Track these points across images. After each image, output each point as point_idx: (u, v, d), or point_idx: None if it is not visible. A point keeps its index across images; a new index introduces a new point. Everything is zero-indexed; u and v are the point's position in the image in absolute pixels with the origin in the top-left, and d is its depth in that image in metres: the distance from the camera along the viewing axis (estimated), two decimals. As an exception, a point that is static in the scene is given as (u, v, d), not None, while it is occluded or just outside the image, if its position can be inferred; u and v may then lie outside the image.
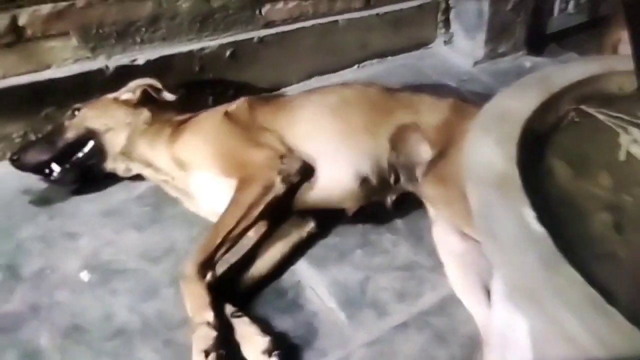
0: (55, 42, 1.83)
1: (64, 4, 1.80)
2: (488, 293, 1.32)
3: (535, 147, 0.91)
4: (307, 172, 1.50)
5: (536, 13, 2.58)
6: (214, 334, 1.21)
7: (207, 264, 1.35)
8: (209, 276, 1.34)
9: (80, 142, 1.68)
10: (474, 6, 2.44)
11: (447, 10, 2.53)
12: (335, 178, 1.51)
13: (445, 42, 2.57)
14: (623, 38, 2.50)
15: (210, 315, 1.25)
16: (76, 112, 1.71)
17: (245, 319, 1.28)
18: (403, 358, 1.25)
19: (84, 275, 1.43)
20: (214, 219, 1.47)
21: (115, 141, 1.68)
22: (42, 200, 1.69)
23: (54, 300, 1.37)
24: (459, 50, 2.53)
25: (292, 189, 1.48)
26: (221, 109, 1.68)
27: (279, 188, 1.45)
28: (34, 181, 1.71)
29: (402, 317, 1.35)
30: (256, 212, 1.41)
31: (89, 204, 1.68)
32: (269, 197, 1.43)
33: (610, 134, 0.94)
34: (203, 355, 1.17)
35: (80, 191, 1.72)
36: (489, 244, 0.74)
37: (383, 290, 1.42)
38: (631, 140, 0.92)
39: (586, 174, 0.87)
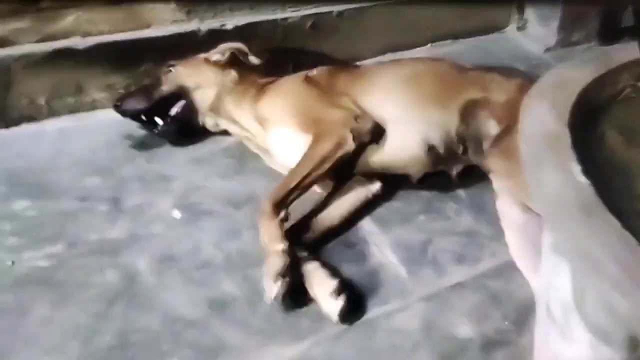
0: (155, 4, 1.99)
1: (165, -32, 1.95)
2: None
3: (589, 115, 0.97)
4: (377, 133, 1.61)
5: (613, 4, 2.55)
6: (284, 260, 1.35)
7: (280, 204, 1.49)
8: (282, 214, 1.47)
9: (173, 96, 1.85)
10: (550, -5, 2.45)
11: (524, -5, 2.55)
12: (404, 143, 1.61)
13: (519, 28, 2.59)
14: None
15: (281, 245, 1.38)
16: (171, 69, 1.88)
17: (316, 263, 1.41)
18: (458, 313, 1.35)
19: (176, 214, 1.60)
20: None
21: (204, 98, 1.84)
22: (141, 145, 1.87)
23: (150, 232, 1.55)
24: (532, 37, 2.55)
25: (362, 147, 1.60)
26: (302, 74, 1.81)
27: (350, 145, 1.57)
28: (134, 128, 1.90)
29: (460, 277, 1.45)
30: (327, 165, 1.54)
31: (181, 152, 1.85)
32: (340, 153, 1.56)
33: None
34: (273, 279, 1.32)
35: (184, 143, 1.88)
36: (537, 192, 0.81)
37: (443, 252, 1.52)
38: None
39: (637, 143, 0.92)
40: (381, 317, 1.34)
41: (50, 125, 1.96)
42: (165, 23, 2.04)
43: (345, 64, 1.99)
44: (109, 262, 1.45)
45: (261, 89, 1.79)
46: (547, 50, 2.48)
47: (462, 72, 1.75)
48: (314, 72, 1.80)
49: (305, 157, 1.55)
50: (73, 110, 1.99)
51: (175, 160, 1.82)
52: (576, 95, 0.96)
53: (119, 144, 1.87)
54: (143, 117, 1.84)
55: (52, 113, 1.97)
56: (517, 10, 2.57)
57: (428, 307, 1.37)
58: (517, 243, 1.48)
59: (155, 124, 1.84)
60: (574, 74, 1.03)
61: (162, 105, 1.84)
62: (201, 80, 1.85)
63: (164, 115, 1.84)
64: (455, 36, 2.51)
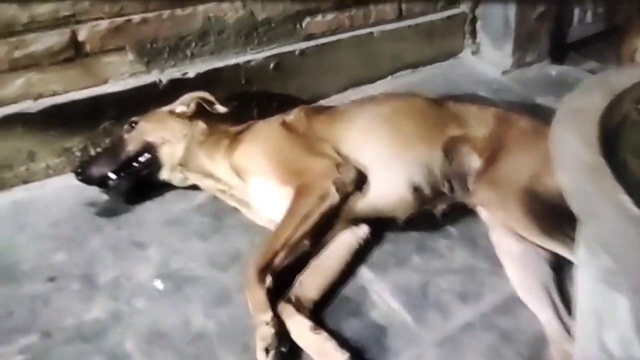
0: (112, 57, 1.88)
1: (120, 19, 1.85)
2: (548, 292, 1.37)
3: (609, 143, 0.96)
4: (361, 181, 1.54)
5: (558, 23, 2.63)
6: (272, 331, 1.26)
7: (266, 269, 1.39)
8: (268, 281, 1.38)
9: (139, 154, 1.72)
10: (500, 17, 2.49)
11: (474, 21, 2.59)
12: (389, 187, 1.55)
13: (473, 52, 2.62)
14: (639, 47, 2.56)
15: (268, 316, 1.29)
16: (133, 125, 1.75)
17: (324, 335, 1.30)
18: (473, 356, 1.29)
19: (158, 284, 1.47)
20: (271, 226, 1.51)
21: (172, 153, 1.72)
22: (107, 212, 1.73)
23: (133, 307, 1.41)
24: (487, 60, 2.59)
25: (346, 198, 1.52)
26: (278, 118, 1.72)
27: (334, 198, 1.49)
28: (96, 193, 1.75)
29: (467, 317, 1.39)
30: (312, 220, 1.46)
31: (151, 214, 1.72)
32: (324, 207, 1.48)
33: None
34: (263, 353, 1.23)
35: (139, 201, 1.75)
36: (592, 223, 0.80)
37: (444, 292, 1.45)
38: None
39: None
40: (397, 373, 1.26)
41: (2, 199, 1.78)
42: (124, 76, 1.91)
43: (321, 105, 1.93)
44: (92, 348, 1.31)
45: (235, 138, 1.69)
46: (504, 72, 2.52)
47: (439, 108, 1.71)
48: (290, 117, 1.71)
49: (288, 214, 1.47)
50: (26, 179, 1.82)
51: (147, 223, 1.69)
52: (596, 124, 0.96)
53: (82, 212, 1.72)
54: (110, 182, 1.70)
55: (3, 185, 1.80)
56: (470, 34, 2.60)
57: (442, 353, 1.30)
58: (518, 276, 1.44)
59: (111, 181, 1.71)
60: (586, 102, 1.03)
61: (127, 166, 1.71)
62: (168, 135, 1.74)
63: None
64: (415, 65, 2.51)
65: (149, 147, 1.72)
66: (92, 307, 1.41)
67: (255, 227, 1.63)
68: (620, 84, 1.08)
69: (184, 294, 1.44)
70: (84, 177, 1.68)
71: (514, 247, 1.47)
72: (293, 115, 1.71)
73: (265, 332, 1.26)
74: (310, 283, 1.43)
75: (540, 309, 1.36)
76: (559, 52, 2.66)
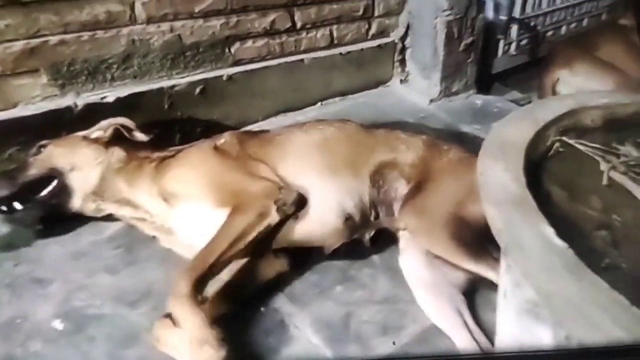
0: (24, 79, 1.73)
1: (37, 41, 1.71)
2: (461, 316, 1.36)
3: (534, 174, 0.99)
4: (301, 204, 1.48)
5: (483, 54, 2.68)
6: (222, 351, 1.16)
7: (199, 284, 1.27)
8: (200, 297, 1.27)
9: (43, 180, 1.57)
10: (429, 47, 2.51)
11: (404, 50, 2.59)
12: (322, 214, 1.49)
13: (401, 81, 2.63)
14: (561, 77, 2.64)
15: (213, 333, 1.18)
16: (42, 149, 1.61)
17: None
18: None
19: (57, 324, 1.32)
20: (191, 255, 1.40)
21: (84, 180, 1.58)
22: (4, 245, 1.56)
23: (29, 350, 1.25)
24: (415, 89, 2.59)
25: (285, 220, 1.45)
26: (209, 142, 1.63)
27: (274, 217, 1.42)
28: (-3, 224, 1.58)
29: (387, 349, 1.32)
30: (249, 238, 1.38)
31: (56, 247, 1.56)
32: (262, 225, 1.40)
33: (590, 161, 1.04)
34: None
35: (46, 233, 1.60)
36: (517, 256, 0.81)
37: (366, 324, 1.39)
38: (610, 167, 1.01)
39: (579, 197, 0.95)
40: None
41: None
42: (36, 100, 1.77)
43: (251, 131, 1.85)
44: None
45: (161, 163, 1.58)
46: (432, 101, 2.53)
47: (369, 133, 1.68)
48: (221, 141, 1.61)
49: (224, 229, 1.38)
50: None
51: (50, 257, 1.53)
52: (522, 155, 0.99)
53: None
54: (3, 207, 1.53)
55: None
56: (399, 63, 2.60)
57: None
58: (431, 304, 1.40)
59: (15, 211, 1.54)
60: (512, 135, 1.05)
61: (29, 191, 1.55)
62: (78, 161, 1.59)
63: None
64: (344, 93, 2.48)
65: (56, 173, 1.57)
66: (-20, 351, 1.25)
67: (170, 259, 1.51)
68: (545, 115, 1.11)
69: (86, 334, 1.30)
70: None
71: (424, 274, 1.44)
72: (224, 139, 1.62)
73: (210, 354, 1.16)
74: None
75: (455, 332, 1.33)
76: (484, 82, 2.71)
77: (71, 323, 1.33)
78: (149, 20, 1.89)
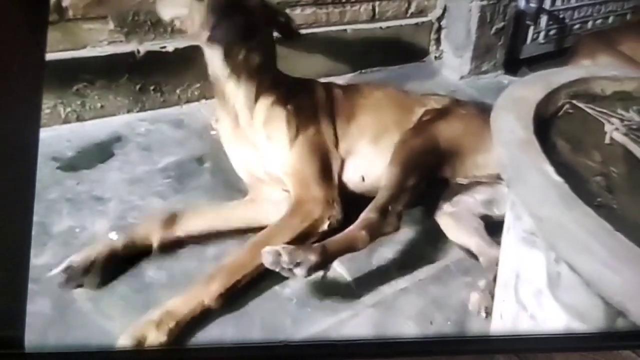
0: (93, 24, 1.73)
1: (107, -10, 1.71)
2: (477, 230, 1.36)
3: (542, 127, 1.02)
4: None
5: (513, 40, 2.59)
6: None
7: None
8: None
9: None
10: (463, 29, 2.45)
11: (439, 30, 2.52)
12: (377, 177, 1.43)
13: (436, 58, 2.55)
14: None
15: None
16: None
17: None
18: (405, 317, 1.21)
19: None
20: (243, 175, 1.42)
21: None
22: (70, 167, 1.56)
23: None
24: (448, 66, 2.52)
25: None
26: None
27: (324, 228, 1.32)
28: (63, 148, 1.59)
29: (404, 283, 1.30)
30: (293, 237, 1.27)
31: (115, 173, 1.56)
32: (314, 234, 1.30)
33: (596, 123, 1.07)
34: None
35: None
36: (518, 187, 0.86)
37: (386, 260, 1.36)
38: (613, 128, 1.04)
39: (581, 150, 0.99)
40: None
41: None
42: (102, 44, 1.76)
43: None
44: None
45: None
46: (462, 78, 2.47)
47: (407, 95, 1.66)
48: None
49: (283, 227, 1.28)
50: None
51: (109, 181, 1.53)
52: (532, 109, 1.01)
53: (45, 166, 1.53)
54: None
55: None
56: (435, 42, 2.52)
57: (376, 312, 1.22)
58: (453, 226, 1.40)
59: None
60: (527, 92, 1.08)
61: None
62: None
63: None
64: (381, 65, 2.41)
65: None
66: (43, 252, 1.26)
67: (217, 190, 1.49)
68: (558, 80, 1.14)
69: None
70: None
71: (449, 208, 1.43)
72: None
73: None
74: None
75: (470, 238, 1.35)
76: (512, 65, 2.63)
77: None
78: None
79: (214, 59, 1.31)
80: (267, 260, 1.10)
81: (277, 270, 1.11)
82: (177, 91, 1.86)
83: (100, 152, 1.61)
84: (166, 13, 1.40)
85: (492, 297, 1.14)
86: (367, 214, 1.28)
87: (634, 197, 0.89)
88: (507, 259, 1.03)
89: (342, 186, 1.44)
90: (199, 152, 1.63)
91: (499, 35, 2.48)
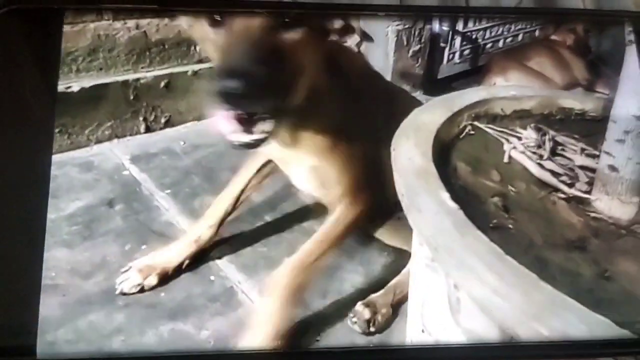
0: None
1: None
2: None
3: (443, 151, 1.03)
4: None
5: (430, 61, 2.69)
6: None
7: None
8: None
9: None
10: (381, 53, 2.51)
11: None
12: None
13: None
14: (497, 83, 2.67)
15: None
16: None
17: None
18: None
19: None
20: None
21: None
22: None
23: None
24: (368, 89, 2.56)
25: None
26: None
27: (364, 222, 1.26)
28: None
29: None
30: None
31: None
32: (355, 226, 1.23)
33: (496, 143, 1.10)
34: None
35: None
36: (416, 217, 0.85)
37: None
38: (511, 147, 1.07)
39: (481, 171, 1.00)
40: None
41: None
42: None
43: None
44: None
45: None
46: (383, 99, 2.49)
47: None
48: None
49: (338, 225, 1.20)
50: None
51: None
52: (433, 135, 1.02)
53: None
54: None
55: None
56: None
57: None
58: None
59: None
60: (427, 118, 1.09)
61: None
62: None
63: None
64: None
65: None
66: None
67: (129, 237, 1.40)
68: (460, 102, 1.16)
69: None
70: None
71: None
72: None
73: None
74: None
75: None
76: (430, 85, 2.70)
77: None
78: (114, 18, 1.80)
79: None
80: None
81: None
82: (86, 132, 1.76)
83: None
84: None
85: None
86: None
87: (530, 215, 0.90)
88: (415, 286, 1.02)
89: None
90: (109, 194, 1.55)
91: (416, 57, 2.57)
